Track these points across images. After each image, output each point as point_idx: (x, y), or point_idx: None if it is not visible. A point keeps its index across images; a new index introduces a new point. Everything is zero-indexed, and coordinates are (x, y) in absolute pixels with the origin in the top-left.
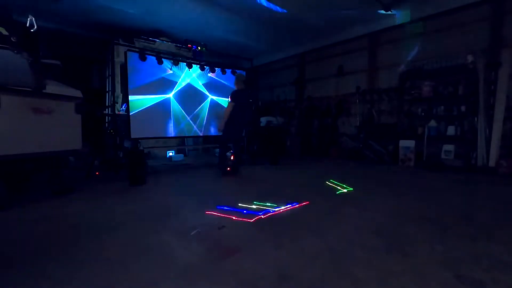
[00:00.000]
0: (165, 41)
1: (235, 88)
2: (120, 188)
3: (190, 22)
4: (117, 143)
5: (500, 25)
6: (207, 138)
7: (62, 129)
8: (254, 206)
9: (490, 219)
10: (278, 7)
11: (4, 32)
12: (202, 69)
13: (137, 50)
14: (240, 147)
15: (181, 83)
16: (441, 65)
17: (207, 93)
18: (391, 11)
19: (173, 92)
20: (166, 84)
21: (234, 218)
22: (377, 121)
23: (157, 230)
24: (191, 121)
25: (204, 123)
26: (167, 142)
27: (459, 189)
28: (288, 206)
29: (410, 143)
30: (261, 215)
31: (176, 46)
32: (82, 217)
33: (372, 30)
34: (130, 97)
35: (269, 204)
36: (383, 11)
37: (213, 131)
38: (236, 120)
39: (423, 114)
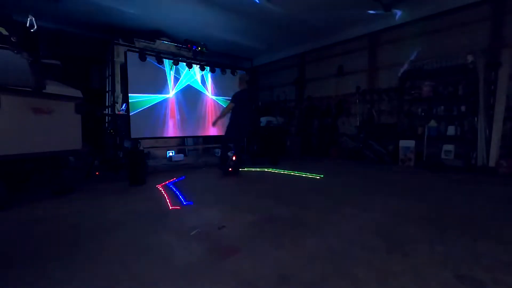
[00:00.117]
0: (165, 41)
1: (238, 88)
2: (120, 188)
3: (190, 22)
4: (117, 143)
5: (500, 25)
6: (207, 138)
7: (62, 129)
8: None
9: (490, 219)
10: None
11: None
12: (202, 69)
13: (137, 50)
14: (240, 147)
15: (181, 83)
16: (441, 65)
17: (207, 93)
18: (391, 11)
19: (173, 92)
20: (166, 84)
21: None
22: (377, 121)
23: (157, 230)
24: (191, 121)
25: (204, 123)
26: (167, 142)
27: (459, 189)
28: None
29: (410, 143)
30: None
31: (176, 46)
32: (82, 217)
33: (372, 30)
34: (130, 97)
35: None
36: (383, 11)
37: (213, 131)
38: (238, 120)
39: (423, 114)
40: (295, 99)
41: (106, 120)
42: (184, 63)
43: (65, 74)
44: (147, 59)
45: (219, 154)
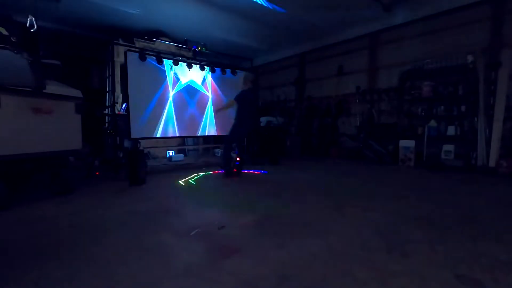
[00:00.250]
0: (165, 41)
1: (242, 87)
2: (120, 188)
3: (190, 22)
4: (117, 143)
5: (500, 25)
6: (207, 138)
7: (62, 129)
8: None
9: (490, 219)
10: (277, 7)
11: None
12: (202, 69)
13: (137, 50)
14: (241, 147)
15: (181, 83)
16: (441, 65)
17: (206, 93)
18: (391, 11)
19: (173, 92)
20: (166, 84)
21: None
22: (377, 121)
23: (157, 230)
24: (191, 121)
25: (204, 123)
26: (167, 142)
27: (459, 189)
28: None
29: (410, 143)
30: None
31: (176, 46)
32: (82, 217)
33: (372, 30)
34: (130, 97)
35: None
36: (383, 11)
37: (213, 131)
38: (242, 121)
39: (423, 114)
40: (295, 99)
41: (106, 120)
42: (184, 63)
43: (65, 74)
44: (147, 59)
45: (220, 154)
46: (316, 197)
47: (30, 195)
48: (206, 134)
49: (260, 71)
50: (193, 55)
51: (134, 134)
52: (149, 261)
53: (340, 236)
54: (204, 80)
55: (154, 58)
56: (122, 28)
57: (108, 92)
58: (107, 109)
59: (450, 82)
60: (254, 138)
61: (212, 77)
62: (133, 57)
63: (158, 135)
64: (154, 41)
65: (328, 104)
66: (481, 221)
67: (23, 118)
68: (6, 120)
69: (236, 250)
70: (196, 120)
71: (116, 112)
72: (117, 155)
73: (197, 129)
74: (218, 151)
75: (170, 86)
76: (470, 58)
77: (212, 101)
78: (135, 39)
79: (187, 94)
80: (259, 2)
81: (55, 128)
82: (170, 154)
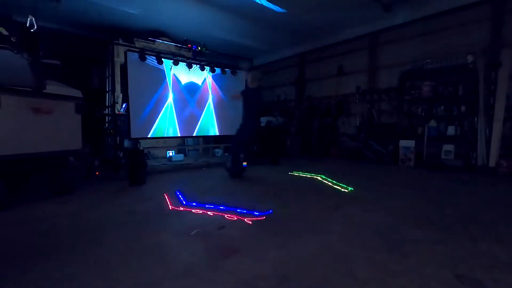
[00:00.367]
0: (165, 41)
1: (249, 85)
2: (120, 188)
3: (190, 22)
4: (117, 143)
5: (500, 25)
6: (207, 138)
7: (62, 129)
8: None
9: (490, 219)
10: (278, 7)
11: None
12: (202, 69)
13: (137, 50)
14: (247, 148)
15: (181, 83)
16: (441, 65)
17: (206, 93)
18: (391, 11)
19: (173, 92)
20: (166, 84)
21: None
22: (377, 121)
23: (157, 230)
24: (191, 121)
25: (204, 123)
26: (167, 142)
27: (459, 189)
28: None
29: (410, 143)
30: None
31: (176, 46)
32: (82, 217)
33: (372, 30)
34: (130, 97)
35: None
36: (383, 11)
37: (213, 131)
38: (249, 120)
39: (423, 114)
40: (295, 99)
41: (106, 120)
42: (184, 63)
43: (65, 74)
44: (147, 59)
45: (219, 154)
46: (316, 197)
47: (30, 195)
48: (206, 134)
49: (260, 71)
50: (193, 55)
51: (134, 134)
52: (149, 261)
53: (340, 236)
54: (204, 80)
55: (154, 58)
56: (122, 28)
57: (108, 92)
58: (107, 109)
59: (450, 82)
60: (254, 138)
61: (212, 77)
62: (133, 57)
63: (158, 135)
64: (154, 41)
65: (328, 104)
66: (481, 221)
67: (23, 118)
68: (6, 120)
69: (236, 250)
70: (196, 120)
71: (116, 112)
72: (117, 155)
73: (197, 129)
74: (218, 151)
75: (170, 86)
76: (470, 58)
77: (212, 101)
78: (135, 39)
79: (187, 94)
80: (259, 2)
81: (55, 128)
82: (170, 154)
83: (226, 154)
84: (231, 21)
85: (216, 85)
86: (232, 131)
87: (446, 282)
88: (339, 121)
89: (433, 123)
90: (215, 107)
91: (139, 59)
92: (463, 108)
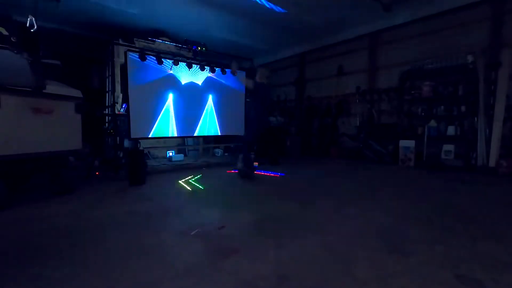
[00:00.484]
0: (165, 41)
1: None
2: (120, 188)
3: (190, 22)
4: (117, 143)
5: (500, 25)
6: (207, 138)
7: (62, 129)
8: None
9: (490, 219)
10: (278, 7)
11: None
12: (202, 69)
13: (137, 50)
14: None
15: (181, 83)
16: (441, 65)
17: (206, 93)
18: (391, 11)
19: (173, 92)
20: (166, 84)
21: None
22: (377, 121)
23: (157, 230)
24: (191, 121)
25: (204, 123)
26: (167, 142)
27: (459, 189)
28: None
29: (410, 143)
30: None
31: (176, 46)
32: (82, 217)
33: (372, 30)
34: (130, 97)
35: None
36: (383, 11)
37: (213, 131)
38: (259, 117)
39: (423, 114)
40: (295, 99)
41: (106, 120)
42: (184, 63)
43: (65, 74)
44: (147, 59)
45: (219, 154)
46: (316, 197)
47: (30, 195)
48: (206, 134)
49: (269, 69)
50: (193, 55)
51: (134, 134)
52: (149, 261)
53: (340, 236)
54: (204, 80)
55: (154, 58)
56: (122, 28)
57: (108, 92)
58: (107, 109)
59: (450, 82)
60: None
61: (212, 77)
62: (133, 57)
63: (158, 135)
64: (154, 41)
65: (328, 104)
66: (481, 221)
67: (23, 118)
68: (6, 120)
69: (236, 250)
70: (196, 120)
71: (116, 112)
72: (117, 155)
73: (197, 129)
74: (218, 151)
75: (170, 86)
76: (470, 58)
77: (212, 101)
78: (135, 39)
79: (187, 94)
80: (260, 2)
81: (55, 128)
82: (170, 154)
83: (226, 154)
84: (231, 21)
85: (216, 85)
86: (232, 131)
87: (446, 282)
88: (339, 121)
89: (433, 123)
90: (215, 107)
91: (139, 59)
92: (463, 108)
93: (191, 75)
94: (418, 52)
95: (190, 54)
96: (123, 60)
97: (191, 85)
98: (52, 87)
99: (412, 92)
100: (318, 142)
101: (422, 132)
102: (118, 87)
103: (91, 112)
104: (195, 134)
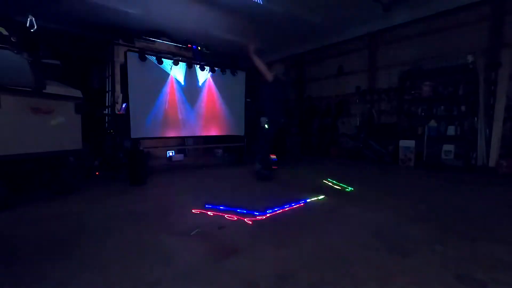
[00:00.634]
0: (165, 41)
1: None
2: (120, 188)
3: (190, 22)
4: (117, 143)
5: (500, 25)
6: (207, 138)
7: (62, 129)
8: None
9: (490, 219)
10: None
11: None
12: (202, 69)
13: (137, 50)
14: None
15: (181, 83)
16: (441, 65)
17: (206, 93)
18: (391, 11)
19: (173, 92)
20: (166, 84)
21: (226, 216)
22: (377, 121)
23: (157, 230)
24: (191, 121)
25: (204, 123)
26: (167, 142)
27: (459, 189)
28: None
29: (410, 143)
30: (257, 215)
31: (176, 46)
32: (82, 217)
33: (372, 30)
34: (130, 97)
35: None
36: (383, 11)
37: (213, 131)
38: (276, 114)
39: (423, 114)
40: (295, 99)
41: (106, 120)
42: (184, 63)
43: (65, 74)
44: (147, 59)
45: (219, 154)
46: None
47: (30, 195)
48: (206, 134)
49: (285, 65)
50: (193, 55)
51: (134, 134)
52: (149, 261)
53: (340, 236)
54: (204, 80)
55: (154, 58)
56: (122, 28)
57: (108, 92)
58: (107, 109)
59: (450, 82)
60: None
61: (212, 77)
62: (133, 57)
63: (158, 135)
64: (154, 41)
65: (328, 104)
66: (481, 221)
67: (23, 118)
68: (6, 120)
69: (236, 250)
70: (196, 120)
71: (116, 112)
72: (117, 155)
73: (197, 129)
74: (219, 151)
75: (170, 86)
76: (470, 58)
77: (212, 101)
78: (135, 39)
79: (187, 94)
80: (260, 2)
81: (55, 128)
82: (170, 154)
83: (226, 154)
84: (231, 21)
85: (216, 85)
86: (232, 131)
87: (446, 282)
88: (339, 121)
89: (433, 123)
90: (215, 107)
91: (139, 59)
92: (463, 108)
93: (191, 75)
94: (418, 52)
95: (190, 54)
96: (123, 60)
97: (191, 85)
98: (52, 87)
99: (412, 92)
100: (318, 142)
101: (422, 132)
102: (118, 87)
103: (91, 112)
104: (195, 134)
